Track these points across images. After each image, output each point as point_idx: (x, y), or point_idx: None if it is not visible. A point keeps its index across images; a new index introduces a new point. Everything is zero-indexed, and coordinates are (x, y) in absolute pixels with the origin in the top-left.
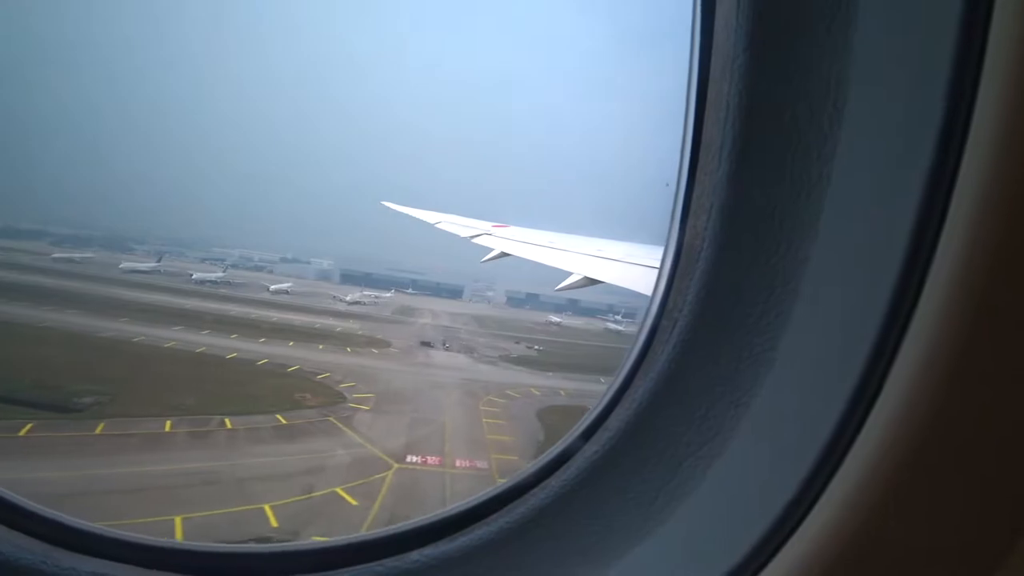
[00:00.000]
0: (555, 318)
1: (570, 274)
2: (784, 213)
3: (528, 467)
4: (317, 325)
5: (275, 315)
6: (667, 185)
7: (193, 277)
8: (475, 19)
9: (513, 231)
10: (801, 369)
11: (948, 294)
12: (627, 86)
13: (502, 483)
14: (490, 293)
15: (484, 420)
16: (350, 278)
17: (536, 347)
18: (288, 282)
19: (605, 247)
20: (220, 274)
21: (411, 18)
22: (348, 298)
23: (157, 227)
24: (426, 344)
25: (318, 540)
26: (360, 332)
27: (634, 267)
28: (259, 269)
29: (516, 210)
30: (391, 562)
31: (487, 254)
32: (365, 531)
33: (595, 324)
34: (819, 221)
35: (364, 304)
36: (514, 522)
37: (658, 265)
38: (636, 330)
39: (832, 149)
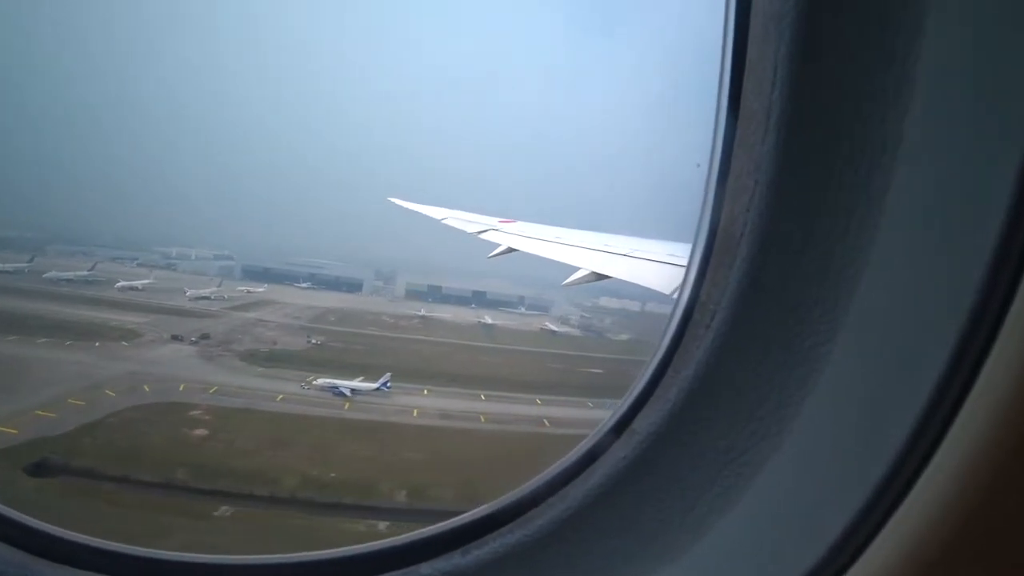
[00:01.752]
0: (422, 311)
1: (577, 269)
2: (843, 189)
3: (547, 472)
4: (97, 321)
5: (69, 311)
6: (698, 165)
7: (45, 276)
8: (475, 14)
9: (520, 226)
10: (864, 369)
11: None
12: (633, 79)
13: (518, 490)
14: (392, 287)
15: (36, 413)
16: (251, 273)
17: (315, 341)
18: (148, 279)
19: (613, 242)
20: (83, 272)
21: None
22: (188, 294)
23: (112, 227)
24: (176, 338)
25: (324, 551)
26: (132, 326)
27: (642, 262)
28: (168, 267)
29: (523, 205)
30: (400, 575)
31: (494, 250)
32: (373, 542)
33: (479, 318)
34: (886, 199)
35: (210, 299)
36: (531, 534)
37: (666, 260)
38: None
39: (902, 112)
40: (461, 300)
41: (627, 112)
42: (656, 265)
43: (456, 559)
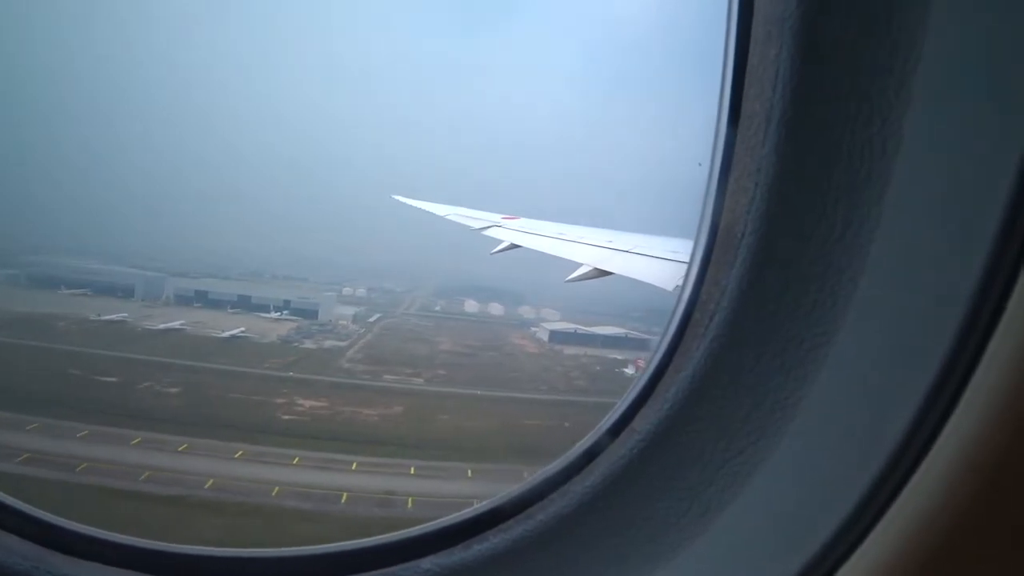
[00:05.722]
0: (120, 316)
1: (580, 265)
2: (841, 191)
3: (548, 468)
4: None
5: None
6: (699, 165)
7: None
8: (473, 7)
9: (523, 222)
10: (861, 368)
11: None
12: (635, 75)
13: (520, 486)
14: (167, 290)
15: None
16: (35, 280)
17: None
18: None
19: (616, 238)
20: None
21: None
22: None
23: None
24: None
25: (324, 545)
26: None
27: (644, 258)
28: None
29: (527, 202)
30: (401, 570)
31: (497, 246)
32: (374, 536)
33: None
34: (882, 201)
35: None
36: (533, 530)
37: (667, 256)
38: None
39: (899, 117)
40: (221, 304)
41: (634, 109)
42: (657, 262)
43: (458, 554)
